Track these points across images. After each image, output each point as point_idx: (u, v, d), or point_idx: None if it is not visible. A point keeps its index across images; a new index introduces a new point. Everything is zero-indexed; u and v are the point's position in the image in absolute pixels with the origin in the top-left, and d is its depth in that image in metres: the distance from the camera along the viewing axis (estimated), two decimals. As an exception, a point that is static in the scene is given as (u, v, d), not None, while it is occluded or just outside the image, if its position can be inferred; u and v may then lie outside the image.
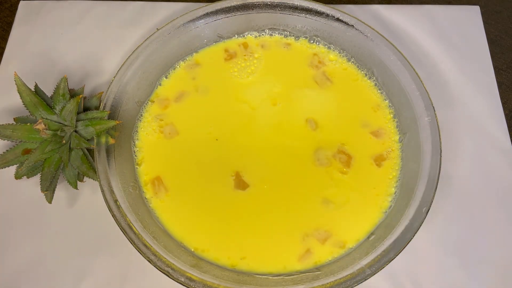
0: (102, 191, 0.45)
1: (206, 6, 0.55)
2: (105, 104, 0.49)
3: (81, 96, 0.46)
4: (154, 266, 0.42)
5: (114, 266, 0.48)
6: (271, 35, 0.58)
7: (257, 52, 0.57)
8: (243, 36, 0.57)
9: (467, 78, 0.58)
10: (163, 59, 0.54)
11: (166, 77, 0.55)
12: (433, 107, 0.49)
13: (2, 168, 0.46)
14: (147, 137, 0.52)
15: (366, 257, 0.43)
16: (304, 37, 0.57)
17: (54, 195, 0.47)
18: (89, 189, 0.52)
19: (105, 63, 0.59)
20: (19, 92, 0.46)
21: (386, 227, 0.46)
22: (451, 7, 0.63)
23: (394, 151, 0.51)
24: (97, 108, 0.50)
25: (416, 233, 0.43)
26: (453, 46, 0.60)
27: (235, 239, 0.47)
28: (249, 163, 0.50)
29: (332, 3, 0.62)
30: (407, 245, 0.43)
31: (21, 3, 0.63)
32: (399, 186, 0.49)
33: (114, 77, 0.50)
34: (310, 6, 0.55)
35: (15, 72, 0.46)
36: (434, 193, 0.45)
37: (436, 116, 0.48)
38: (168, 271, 0.42)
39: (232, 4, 0.55)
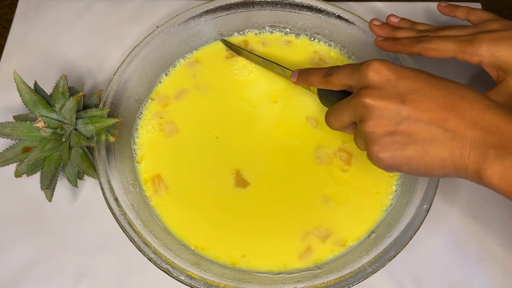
0: (102, 189, 0.45)
1: (206, 3, 0.54)
2: (104, 102, 0.49)
3: (80, 94, 0.45)
4: (154, 264, 0.42)
5: (114, 264, 0.48)
6: (271, 32, 0.57)
7: (258, 50, 0.56)
8: (244, 33, 0.57)
9: (468, 75, 0.58)
10: (163, 57, 0.54)
11: (166, 75, 0.55)
12: (434, 105, 0.49)
13: (2, 166, 0.46)
14: (147, 135, 0.52)
15: (366, 255, 0.43)
16: (304, 34, 0.57)
17: (54, 193, 0.47)
18: (89, 187, 0.52)
19: (105, 61, 0.59)
20: (18, 90, 0.46)
21: (387, 225, 0.46)
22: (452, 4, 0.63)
23: (395, 149, 0.51)
24: (96, 106, 0.50)
25: (417, 231, 0.43)
26: (454, 44, 0.60)
27: (236, 237, 0.47)
28: (249, 161, 0.50)
29: (333, 1, 0.62)
30: (408, 243, 0.43)
31: (20, 0, 0.63)
32: (400, 184, 0.49)
33: (113, 75, 0.50)
34: (311, 4, 0.54)
35: (14, 70, 0.46)
36: (435, 191, 0.45)
37: (437, 114, 0.48)
38: (168, 269, 0.42)
39: (233, 1, 0.55)
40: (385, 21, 0.52)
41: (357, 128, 0.39)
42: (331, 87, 0.44)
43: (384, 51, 0.51)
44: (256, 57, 0.54)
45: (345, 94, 0.42)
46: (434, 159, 0.36)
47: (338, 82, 0.42)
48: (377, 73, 0.38)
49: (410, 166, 0.37)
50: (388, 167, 0.38)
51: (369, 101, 0.37)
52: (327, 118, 0.43)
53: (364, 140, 0.39)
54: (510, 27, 0.45)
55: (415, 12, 0.62)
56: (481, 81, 0.58)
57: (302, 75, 0.47)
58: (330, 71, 0.43)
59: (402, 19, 0.52)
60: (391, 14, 0.52)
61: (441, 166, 0.36)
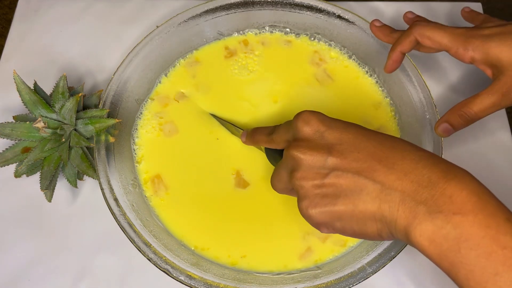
0: (102, 189, 0.45)
1: (206, 3, 0.54)
2: (104, 102, 0.49)
3: (80, 94, 0.45)
4: (154, 265, 0.42)
5: (114, 264, 0.48)
6: (271, 32, 0.57)
7: (258, 50, 0.56)
8: (244, 33, 0.57)
9: (468, 75, 0.58)
10: (163, 57, 0.54)
11: (166, 75, 0.55)
12: (435, 105, 0.49)
13: (1, 166, 0.46)
14: (147, 135, 0.52)
15: (367, 255, 0.43)
16: (304, 34, 0.57)
17: (54, 193, 0.47)
18: (89, 187, 0.51)
19: (104, 61, 0.58)
20: (18, 90, 0.45)
21: (387, 226, 0.45)
22: (453, 4, 0.63)
23: (395, 149, 0.50)
24: (96, 106, 0.50)
25: (417, 231, 0.43)
26: (455, 43, 0.60)
27: (236, 237, 0.47)
28: (249, 162, 0.50)
29: (333, 0, 0.62)
30: (408, 244, 0.43)
31: (20, 0, 0.63)
32: (400, 184, 0.49)
33: (113, 75, 0.50)
34: (311, 3, 0.54)
35: (14, 70, 0.46)
36: (436, 191, 0.45)
37: (437, 114, 0.48)
38: (168, 270, 0.42)
39: (233, 1, 0.55)
40: (386, 22, 0.52)
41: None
42: (275, 146, 0.41)
43: (384, 50, 0.51)
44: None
45: None
46: (364, 213, 0.33)
47: (280, 139, 0.40)
48: (307, 124, 0.36)
49: (342, 222, 0.34)
50: (320, 224, 0.35)
51: (296, 153, 0.35)
52: (271, 180, 0.41)
53: (297, 196, 0.36)
54: (503, 24, 0.45)
55: (417, 12, 0.62)
56: (478, 81, 0.58)
57: (249, 135, 0.46)
58: (273, 129, 0.42)
59: (418, 16, 0.51)
60: (409, 11, 0.52)
61: (373, 222, 0.33)
